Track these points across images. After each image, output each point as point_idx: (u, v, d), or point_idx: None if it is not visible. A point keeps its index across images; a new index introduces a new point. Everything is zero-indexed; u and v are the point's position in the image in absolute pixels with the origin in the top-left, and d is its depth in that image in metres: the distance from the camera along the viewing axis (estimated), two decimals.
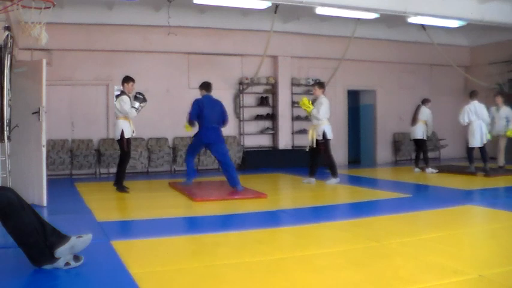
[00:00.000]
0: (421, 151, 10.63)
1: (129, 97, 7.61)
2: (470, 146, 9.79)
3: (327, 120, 8.53)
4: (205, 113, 7.70)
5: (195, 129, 8.06)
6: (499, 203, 6.46)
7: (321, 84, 8.82)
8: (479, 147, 9.71)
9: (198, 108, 7.75)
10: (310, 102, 8.52)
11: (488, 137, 9.66)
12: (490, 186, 8.15)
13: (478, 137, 9.59)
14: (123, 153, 7.74)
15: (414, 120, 10.53)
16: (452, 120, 13.56)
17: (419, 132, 10.44)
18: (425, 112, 10.44)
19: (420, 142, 10.56)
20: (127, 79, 7.74)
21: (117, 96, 7.78)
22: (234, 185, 7.57)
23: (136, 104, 7.55)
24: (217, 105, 7.90)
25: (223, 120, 7.95)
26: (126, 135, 7.56)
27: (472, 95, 9.84)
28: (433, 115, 10.73)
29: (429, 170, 10.24)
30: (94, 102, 10.78)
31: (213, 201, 6.83)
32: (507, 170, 10.00)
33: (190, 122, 7.92)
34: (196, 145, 8.13)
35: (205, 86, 7.98)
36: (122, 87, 7.79)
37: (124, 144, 7.60)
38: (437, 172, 10.10)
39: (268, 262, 3.79)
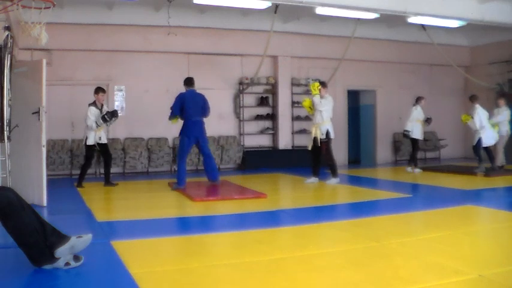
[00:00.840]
0: (415, 150, 10.66)
1: (100, 107, 8.33)
2: (484, 146, 9.73)
3: (329, 119, 8.56)
4: (186, 106, 7.94)
5: (181, 122, 8.27)
6: (499, 203, 6.46)
7: (324, 84, 8.81)
8: (485, 148, 9.73)
9: (179, 102, 8.01)
10: (318, 87, 8.54)
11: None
12: (490, 186, 8.16)
13: (493, 135, 9.69)
14: (84, 157, 8.62)
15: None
16: (452, 120, 13.61)
17: (414, 131, 10.43)
18: (411, 111, 10.48)
19: (413, 141, 10.55)
20: (96, 90, 8.44)
21: (89, 105, 8.35)
22: (215, 178, 8.05)
23: (100, 121, 8.17)
24: (199, 98, 8.09)
25: (204, 111, 8.12)
26: (89, 143, 8.25)
27: (473, 98, 9.92)
28: (432, 115, 10.74)
29: (409, 168, 10.39)
30: None
31: (213, 201, 6.84)
32: (507, 170, 10.00)
33: (172, 116, 8.19)
34: (185, 144, 8.06)
35: (187, 82, 8.24)
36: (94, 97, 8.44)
37: (86, 150, 8.40)
38: (419, 172, 10.22)
39: (268, 262, 3.79)
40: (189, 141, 8.04)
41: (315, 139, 8.54)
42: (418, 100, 10.63)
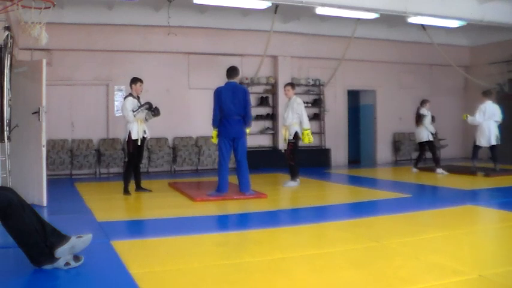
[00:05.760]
0: (424, 153, 10.57)
1: (136, 98, 7.52)
2: (477, 145, 9.75)
3: (299, 121, 8.32)
4: (223, 103, 6.91)
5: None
6: (499, 203, 6.46)
7: (293, 85, 8.69)
8: (490, 147, 9.67)
9: (217, 99, 6.95)
10: (309, 133, 8.21)
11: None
12: (490, 186, 8.16)
13: (487, 137, 9.59)
14: (128, 154, 7.65)
15: (417, 122, 10.38)
16: (453, 120, 13.61)
17: (423, 134, 10.26)
18: (425, 115, 10.26)
19: (427, 144, 10.32)
20: (134, 80, 7.62)
21: (125, 98, 7.65)
22: (244, 190, 7.06)
23: (135, 107, 7.38)
24: (239, 93, 7.00)
25: (245, 113, 7.04)
26: (134, 137, 7.39)
27: (487, 94, 9.79)
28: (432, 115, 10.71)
29: (440, 170, 9.97)
30: (94, 102, 10.77)
31: (213, 201, 6.83)
32: (507, 170, 10.00)
33: (215, 122, 7.02)
34: (221, 147, 7.06)
35: (228, 72, 7.17)
36: (130, 88, 7.71)
37: (130, 145, 7.46)
38: (448, 174, 9.82)
39: (268, 262, 3.79)
40: (224, 142, 7.00)
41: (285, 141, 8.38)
42: (422, 103, 10.39)
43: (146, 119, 7.62)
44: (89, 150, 10.40)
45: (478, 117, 9.66)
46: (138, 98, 7.57)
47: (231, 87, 7.07)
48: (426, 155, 10.73)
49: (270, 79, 12.19)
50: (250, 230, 5.12)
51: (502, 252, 4.02)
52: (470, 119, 9.80)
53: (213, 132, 7.17)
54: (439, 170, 10.00)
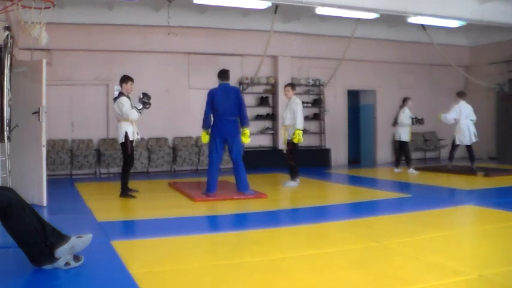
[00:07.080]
0: (402, 152, 10.67)
1: (129, 98, 7.29)
2: (457, 144, 10.02)
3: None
4: (216, 103, 7.00)
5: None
6: (499, 203, 6.45)
7: (293, 86, 8.66)
8: (467, 146, 9.90)
9: (210, 100, 7.05)
10: (300, 134, 8.13)
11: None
12: (490, 186, 8.16)
13: (467, 136, 9.85)
14: (126, 156, 7.33)
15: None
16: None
17: (396, 134, 10.64)
18: (399, 114, 10.49)
19: (400, 144, 10.59)
20: (125, 79, 7.33)
21: (115, 98, 7.31)
22: (241, 190, 7.08)
23: (140, 106, 7.22)
24: (232, 93, 7.13)
25: (240, 113, 7.12)
26: (130, 138, 7.19)
27: (462, 95, 10.11)
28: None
29: (411, 170, 10.28)
30: (94, 102, 10.77)
31: (213, 201, 6.83)
32: (506, 170, 10.00)
33: (206, 123, 7.09)
34: (211, 146, 7.11)
35: (220, 75, 7.28)
36: (120, 87, 7.41)
37: (128, 147, 7.22)
38: (399, 172, 10.30)
39: (268, 262, 3.79)
40: (215, 142, 7.05)
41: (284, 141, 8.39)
42: (405, 101, 10.58)
43: (144, 109, 7.37)
44: (89, 150, 10.40)
45: (450, 116, 9.92)
46: (128, 98, 7.29)
47: (224, 88, 7.20)
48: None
49: (270, 79, 12.19)
50: (250, 230, 5.12)
51: (502, 252, 4.02)
52: (443, 116, 9.98)
53: (202, 133, 7.21)
54: (410, 170, 10.27)
